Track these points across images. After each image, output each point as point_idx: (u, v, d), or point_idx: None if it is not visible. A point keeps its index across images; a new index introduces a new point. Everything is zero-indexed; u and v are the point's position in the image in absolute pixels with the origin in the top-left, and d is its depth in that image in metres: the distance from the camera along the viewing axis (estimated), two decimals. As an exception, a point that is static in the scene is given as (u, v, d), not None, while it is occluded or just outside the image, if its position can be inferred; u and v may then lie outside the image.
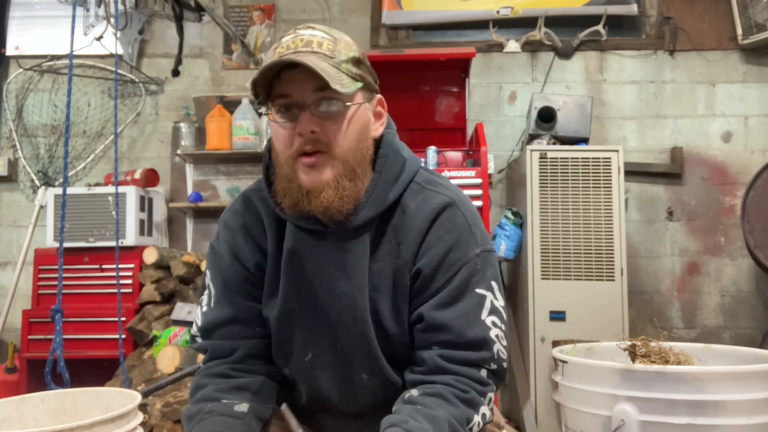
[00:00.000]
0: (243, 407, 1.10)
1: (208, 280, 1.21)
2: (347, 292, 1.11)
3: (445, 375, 1.07)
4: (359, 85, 1.06)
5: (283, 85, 1.04)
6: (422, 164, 1.23)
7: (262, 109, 1.08)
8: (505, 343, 1.12)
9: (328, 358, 1.16)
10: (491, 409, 1.11)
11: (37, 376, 3.17)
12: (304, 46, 1.03)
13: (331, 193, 1.05)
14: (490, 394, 1.10)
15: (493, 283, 1.13)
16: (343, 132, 1.05)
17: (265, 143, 4.14)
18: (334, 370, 1.17)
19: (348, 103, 1.06)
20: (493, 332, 1.10)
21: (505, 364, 1.12)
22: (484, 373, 1.09)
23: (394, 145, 1.17)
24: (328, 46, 1.04)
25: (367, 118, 1.11)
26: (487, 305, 1.10)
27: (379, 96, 1.15)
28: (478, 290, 1.10)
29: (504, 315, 1.13)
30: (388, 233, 1.13)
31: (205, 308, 1.20)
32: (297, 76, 1.02)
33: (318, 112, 1.04)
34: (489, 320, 1.10)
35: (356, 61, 1.07)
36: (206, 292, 1.21)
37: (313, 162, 1.04)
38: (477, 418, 1.07)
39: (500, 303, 1.13)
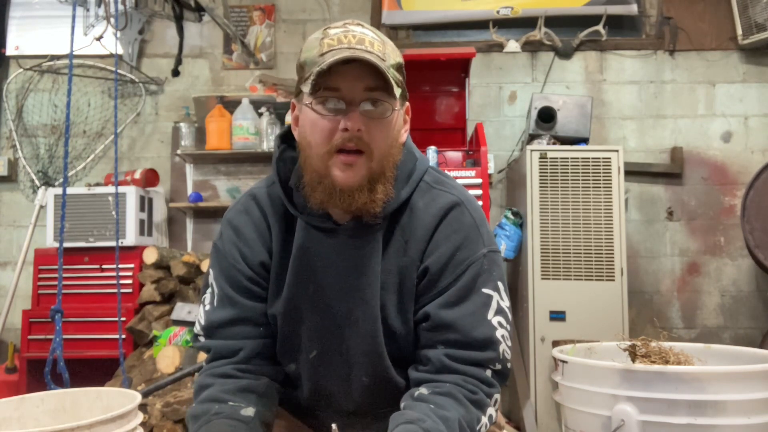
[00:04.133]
0: (249, 411, 1.09)
1: (211, 278, 1.21)
2: (359, 288, 1.12)
3: (452, 374, 1.07)
4: (400, 91, 1.07)
5: (333, 77, 1.02)
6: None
7: (307, 100, 1.06)
8: (510, 343, 1.12)
9: (332, 355, 1.16)
10: (496, 410, 1.12)
11: (37, 376, 3.16)
12: (357, 43, 1.03)
13: (365, 195, 1.05)
14: (496, 395, 1.10)
15: (500, 284, 1.13)
16: (384, 136, 1.06)
17: (266, 143, 4.08)
18: (338, 368, 1.17)
19: (395, 108, 1.07)
20: (499, 332, 1.10)
21: (509, 365, 1.13)
22: (489, 373, 1.09)
23: (407, 145, 1.18)
24: (379, 48, 1.04)
25: (400, 125, 1.13)
26: (494, 305, 1.11)
27: (407, 103, 1.16)
28: (485, 290, 1.11)
29: (510, 315, 1.14)
30: (395, 232, 1.14)
31: (208, 307, 1.20)
32: (350, 72, 1.02)
33: (365, 111, 1.04)
34: (495, 320, 1.10)
35: (399, 67, 1.09)
36: (209, 290, 1.20)
37: (351, 161, 1.04)
38: (484, 420, 1.07)
39: (506, 303, 1.13)
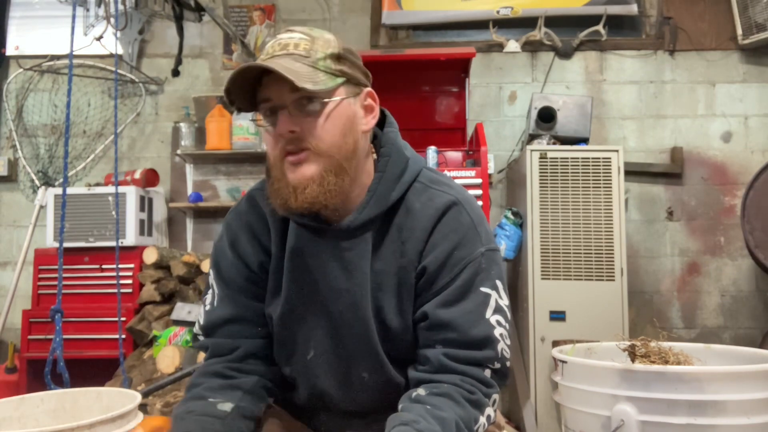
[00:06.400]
0: (226, 406, 1.10)
1: (211, 279, 1.22)
2: (349, 290, 1.12)
3: (450, 374, 1.07)
4: (340, 80, 1.07)
5: (264, 89, 1.07)
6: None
7: (254, 116, 1.11)
8: (509, 342, 1.12)
9: (329, 356, 1.16)
10: (495, 411, 1.11)
11: (37, 376, 3.16)
12: (281, 50, 1.06)
13: (315, 188, 1.06)
14: (495, 396, 1.10)
15: (498, 282, 1.13)
16: (322, 128, 1.06)
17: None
18: (336, 369, 1.17)
19: (325, 100, 1.06)
20: (498, 331, 1.10)
21: (508, 363, 1.12)
22: (488, 373, 1.09)
23: (397, 144, 1.17)
24: (305, 46, 1.06)
25: (352, 113, 1.10)
26: (492, 304, 1.10)
27: (368, 89, 1.15)
28: (483, 289, 1.10)
29: (508, 314, 1.13)
30: (391, 233, 1.14)
31: (208, 307, 1.21)
32: (274, 80, 1.04)
33: (296, 111, 1.06)
34: (493, 319, 1.10)
35: (336, 57, 1.08)
36: (210, 291, 1.22)
37: (297, 159, 1.06)
38: (482, 420, 1.07)
39: (505, 302, 1.13)
